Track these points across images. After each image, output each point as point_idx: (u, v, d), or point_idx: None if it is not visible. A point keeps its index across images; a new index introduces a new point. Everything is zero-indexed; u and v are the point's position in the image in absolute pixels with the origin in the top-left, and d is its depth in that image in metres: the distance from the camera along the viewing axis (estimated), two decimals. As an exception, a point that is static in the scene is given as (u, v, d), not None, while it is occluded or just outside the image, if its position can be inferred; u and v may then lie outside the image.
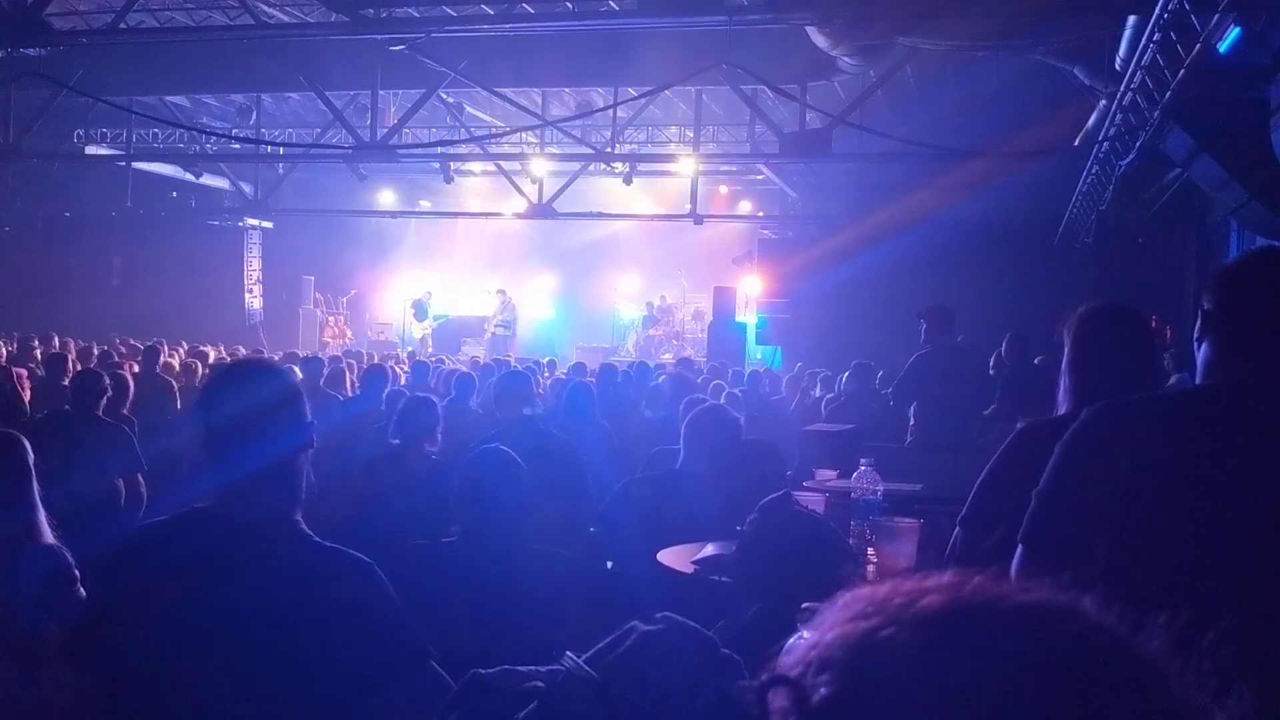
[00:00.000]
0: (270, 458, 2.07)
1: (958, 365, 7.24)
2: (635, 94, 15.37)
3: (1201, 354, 1.99)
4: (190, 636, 1.94)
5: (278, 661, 1.95)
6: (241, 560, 2.01)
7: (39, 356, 10.40)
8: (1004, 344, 8.95)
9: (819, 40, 10.59)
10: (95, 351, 11.34)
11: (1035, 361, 8.82)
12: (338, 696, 2.00)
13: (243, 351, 13.40)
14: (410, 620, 2.11)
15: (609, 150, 16.96)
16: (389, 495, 4.39)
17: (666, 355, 20.74)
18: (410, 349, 20.61)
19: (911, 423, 7.49)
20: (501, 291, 21.93)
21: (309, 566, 2.06)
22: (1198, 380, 2.01)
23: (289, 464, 2.10)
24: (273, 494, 2.08)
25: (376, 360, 12.00)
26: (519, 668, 1.44)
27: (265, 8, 13.52)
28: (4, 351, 10.61)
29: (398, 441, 4.87)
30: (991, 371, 8.68)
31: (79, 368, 8.45)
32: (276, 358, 11.29)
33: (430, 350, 19.82)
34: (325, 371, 9.52)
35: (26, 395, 8.07)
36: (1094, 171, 11.73)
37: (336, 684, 1.99)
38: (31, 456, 3.08)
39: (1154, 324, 8.09)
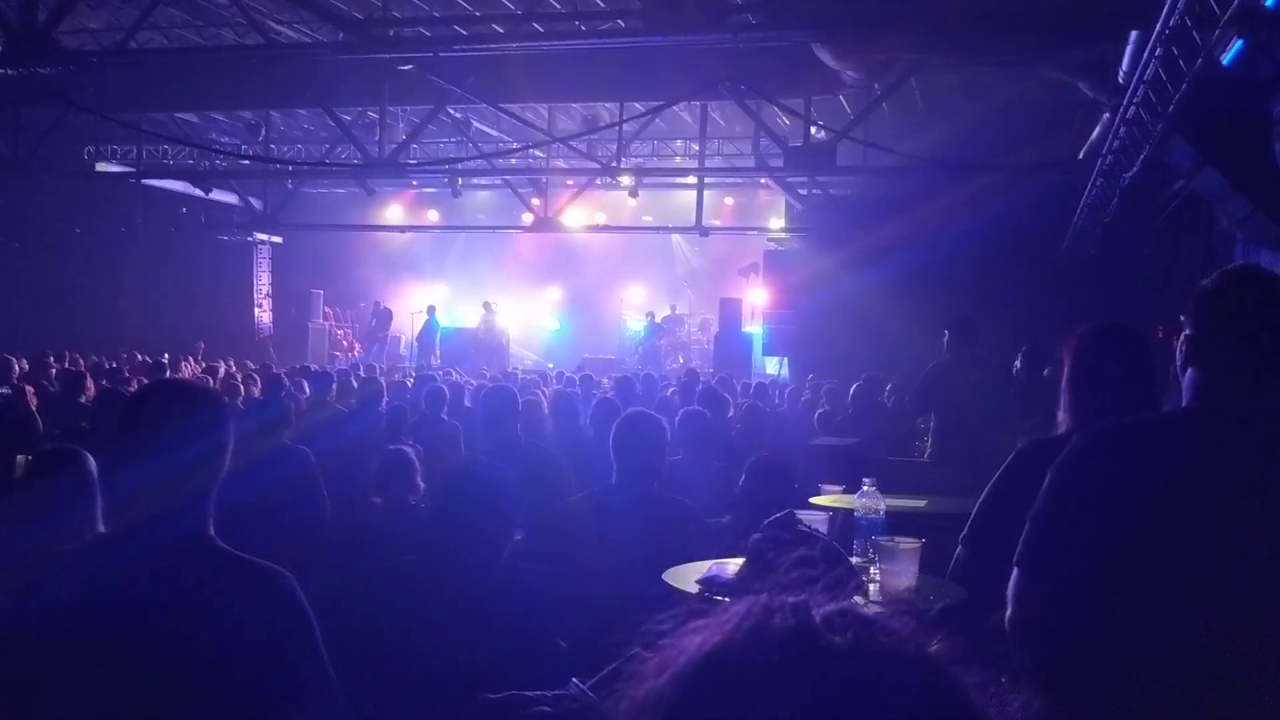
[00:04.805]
0: (180, 477, 2.07)
1: (979, 377, 7.15)
2: (641, 109, 15.44)
3: (1187, 377, 2.03)
4: (86, 667, 1.93)
5: (182, 684, 1.93)
6: (143, 583, 2.00)
7: (54, 374, 10.47)
8: (1020, 357, 8.97)
9: (823, 55, 10.66)
10: (107, 367, 11.44)
11: (1044, 373, 8.83)
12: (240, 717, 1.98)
13: (251, 366, 13.47)
14: (320, 644, 2.08)
15: (615, 164, 17.03)
16: (380, 555, 4.29)
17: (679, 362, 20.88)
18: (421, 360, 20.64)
19: (929, 438, 7.44)
20: (487, 304, 21.97)
21: (219, 581, 2.05)
22: (1185, 403, 2.05)
23: (199, 483, 2.11)
24: (183, 513, 2.08)
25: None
26: (525, 692, 1.48)
27: (274, 25, 13.62)
28: (18, 368, 10.68)
29: (379, 500, 4.72)
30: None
31: (92, 385, 8.52)
32: (284, 372, 11.37)
33: (438, 362, 19.87)
34: (334, 386, 9.59)
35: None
36: (1098, 184, 11.74)
37: (241, 705, 1.97)
38: (95, 469, 3.18)
39: (1160, 335, 8.10)
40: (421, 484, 4.69)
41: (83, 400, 8.16)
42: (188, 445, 2.08)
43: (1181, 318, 2.06)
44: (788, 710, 0.64)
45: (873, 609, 0.71)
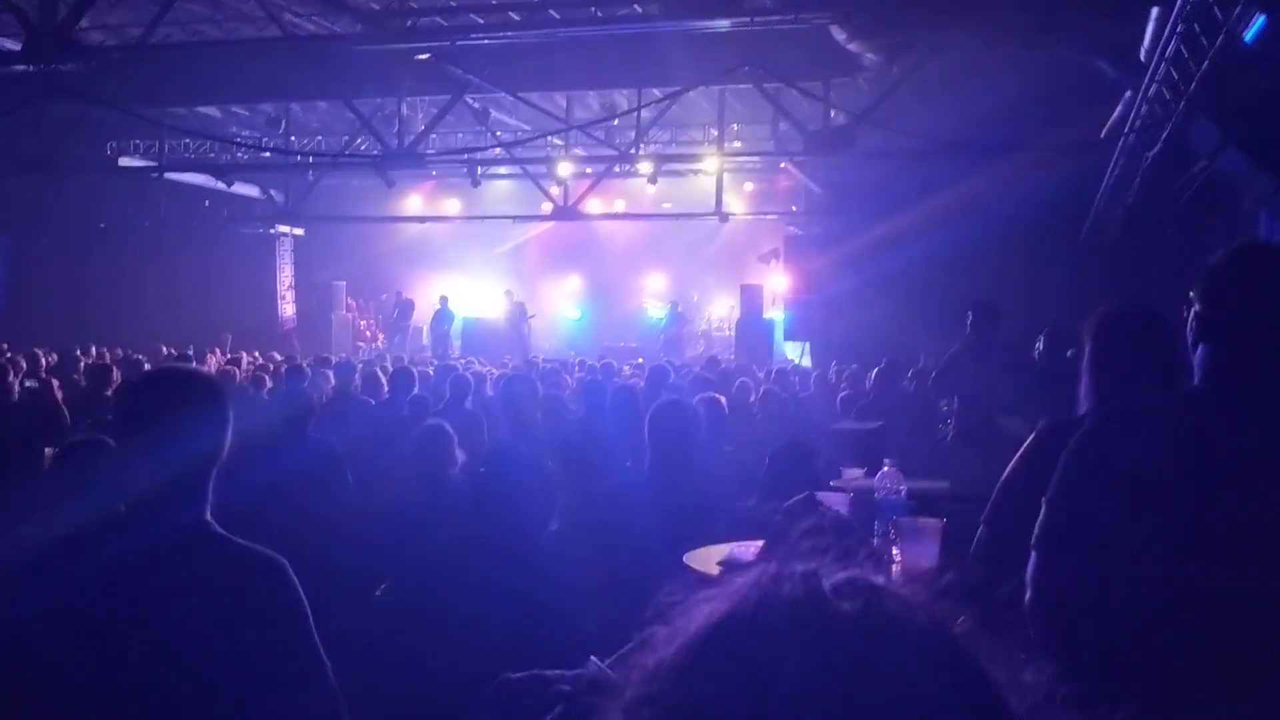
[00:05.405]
0: (177, 464, 2.07)
1: (1001, 359, 7.11)
2: (659, 95, 15.40)
3: (1198, 355, 2.02)
4: (84, 649, 1.94)
5: (175, 668, 1.95)
6: (138, 569, 2.01)
7: (82, 368, 10.57)
8: (1041, 339, 8.92)
9: (841, 38, 10.61)
10: (135, 360, 11.52)
11: (1068, 354, 8.77)
12: (234, 702, 1.98)
13: (278, 358, 13.56)
14: (313, 629, 2.09)
15: (633, 151, 17.00)
16: (421, 523, 4.34)
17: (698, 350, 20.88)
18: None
19: (951, 421, 7.44)
20: (508, 293, 21.98)
21: (214, 567, 2.06)
22: (1196, 380, 2.04)
23: (196, 470, 2.11)
24: (179, 500, 2.09)
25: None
26: (546, 671, 1.50)
27: (292, 19, 13.66)
28: (44, 361, 10.79)
29: (418, 474, 4.75)
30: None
31: (120, 379, 8.59)
32: (308, 363, 11.44)
33: (456, 352, 19.94)
34: (358, 377, 9.63)
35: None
36: (1120, 164, 11.66)
37: (233, 689, 1.98)
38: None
39: (1185, 316, 8.02)
40: (460, 455, 4.72)
41: (109, 394, 8.24)
42: (183, 431, 2.08)
43: (1191, 294, 2.05)
44: (797, 676, 0.64)
45: (883, 578, 0.71)
